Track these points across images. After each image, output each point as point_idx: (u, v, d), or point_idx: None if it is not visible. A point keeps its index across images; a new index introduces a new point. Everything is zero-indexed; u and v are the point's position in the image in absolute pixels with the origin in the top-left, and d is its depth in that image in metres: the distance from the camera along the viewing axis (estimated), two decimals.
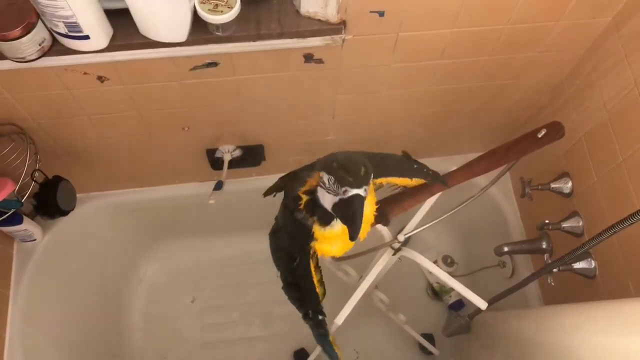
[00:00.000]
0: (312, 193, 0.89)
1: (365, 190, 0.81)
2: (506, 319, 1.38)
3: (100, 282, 1.83)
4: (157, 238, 2.01)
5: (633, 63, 1.10)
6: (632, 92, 1.11)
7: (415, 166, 1.10)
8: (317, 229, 0.91)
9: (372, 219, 0.97)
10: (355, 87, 1.27)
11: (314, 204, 0.89)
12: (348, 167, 0.81)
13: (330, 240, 0.93)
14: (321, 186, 0.84)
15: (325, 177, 0.82)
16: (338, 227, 0.90)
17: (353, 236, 0.83)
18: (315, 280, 0.99)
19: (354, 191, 0.80)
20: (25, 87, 1.12)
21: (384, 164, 1.04)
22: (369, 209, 0.94)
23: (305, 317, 1.02)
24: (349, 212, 0.82)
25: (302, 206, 0.91)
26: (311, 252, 0.96)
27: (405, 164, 1.11)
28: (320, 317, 1.00)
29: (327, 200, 0.85)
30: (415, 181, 1.09)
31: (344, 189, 0.80)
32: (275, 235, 1.06)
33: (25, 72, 1.05)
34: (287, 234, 0.99)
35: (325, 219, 0.90)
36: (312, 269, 0.98)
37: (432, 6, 1.04)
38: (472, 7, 1.05)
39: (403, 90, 1.31)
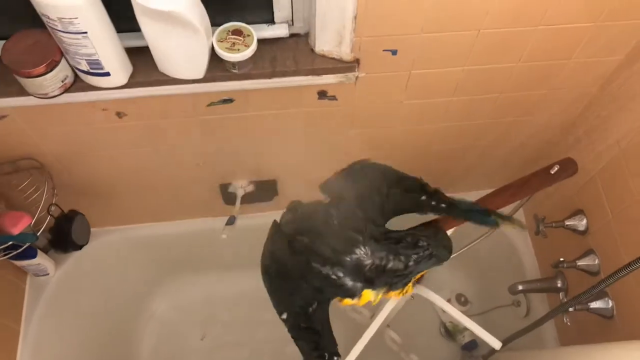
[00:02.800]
0: None
1: None
2: None
3: (111, 317, 1.82)
4: (169, 273, 2.01)
5: None
6: None
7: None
8: (368, 292, 0.90)
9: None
10: (368, 123, 1.29)
11: None
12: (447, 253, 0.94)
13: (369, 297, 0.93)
14: None
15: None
16: None
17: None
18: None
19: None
20: (46, 123, 1.14)
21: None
22: None
23: (321, 358, 0.98)
24: None
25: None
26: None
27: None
28: (336, 358, 0.98)
29: None
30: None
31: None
32: (282, 279, 0.99)
33: (46, 108, 1.07)
34: (310, 286, 0.94)
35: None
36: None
37: (444, 45, 1.06)
38: (484, 45, 1.07)
39: (416, 126, 1.32)
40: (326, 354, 0.98)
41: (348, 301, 0.92)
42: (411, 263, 0.88)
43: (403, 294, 0.96)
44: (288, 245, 0.98)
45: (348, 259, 0.87)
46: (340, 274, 0.87)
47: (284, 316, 0.98)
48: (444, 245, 0.95)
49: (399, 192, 1.00)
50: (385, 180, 1.02)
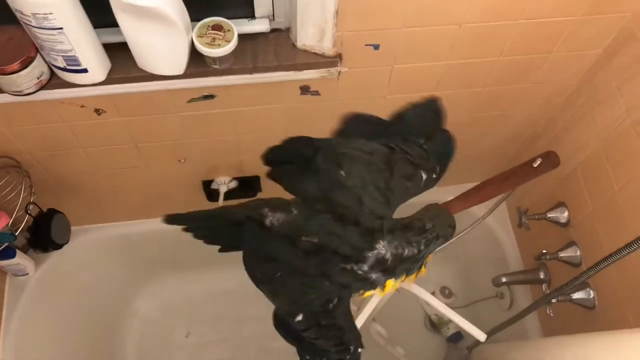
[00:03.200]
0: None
1: None
2: (506, 352, 1.36)
3: (93, 317, 1.80)
4: (151, 271, 1.99)
5: (625, 94, 1.12)
6: (625, 122, 1.12)
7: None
8: (390, 282, 0.92)
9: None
10: None
11: None
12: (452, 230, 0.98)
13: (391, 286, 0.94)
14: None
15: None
16: None
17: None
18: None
19: None
20: (22, 121, 1.12)
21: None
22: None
23: (344, 352, 0.97)
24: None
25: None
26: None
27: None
28: (360, 350, 0.99)
29: None
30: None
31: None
32: (293, 282, 0.95)
33: (22, 106, 1.05)
34: (335, 283, 0.92)
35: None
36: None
37: (426, 39, 1.06)
38: (465, 39, 1.07)
39: None
40: (351, 347, 0.98)
41: (369, 292, 0.94)
42: (422, 247, 0.92)
43: (417, 276, 1.01)
44: (293, 247, 0.93)
45: (370, 254, 0.89)
46: (366, 268, 0.89)
47: (299, 317, 0.94)
48: (448, 224, 1.00)
49: (399, 182, 0.98)
50: (376, 171, 0.97)
